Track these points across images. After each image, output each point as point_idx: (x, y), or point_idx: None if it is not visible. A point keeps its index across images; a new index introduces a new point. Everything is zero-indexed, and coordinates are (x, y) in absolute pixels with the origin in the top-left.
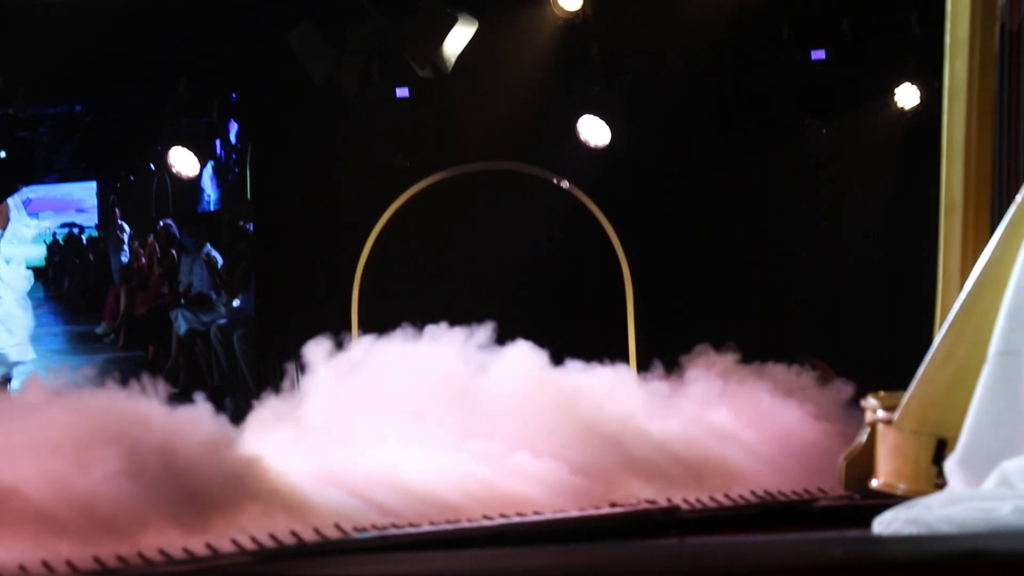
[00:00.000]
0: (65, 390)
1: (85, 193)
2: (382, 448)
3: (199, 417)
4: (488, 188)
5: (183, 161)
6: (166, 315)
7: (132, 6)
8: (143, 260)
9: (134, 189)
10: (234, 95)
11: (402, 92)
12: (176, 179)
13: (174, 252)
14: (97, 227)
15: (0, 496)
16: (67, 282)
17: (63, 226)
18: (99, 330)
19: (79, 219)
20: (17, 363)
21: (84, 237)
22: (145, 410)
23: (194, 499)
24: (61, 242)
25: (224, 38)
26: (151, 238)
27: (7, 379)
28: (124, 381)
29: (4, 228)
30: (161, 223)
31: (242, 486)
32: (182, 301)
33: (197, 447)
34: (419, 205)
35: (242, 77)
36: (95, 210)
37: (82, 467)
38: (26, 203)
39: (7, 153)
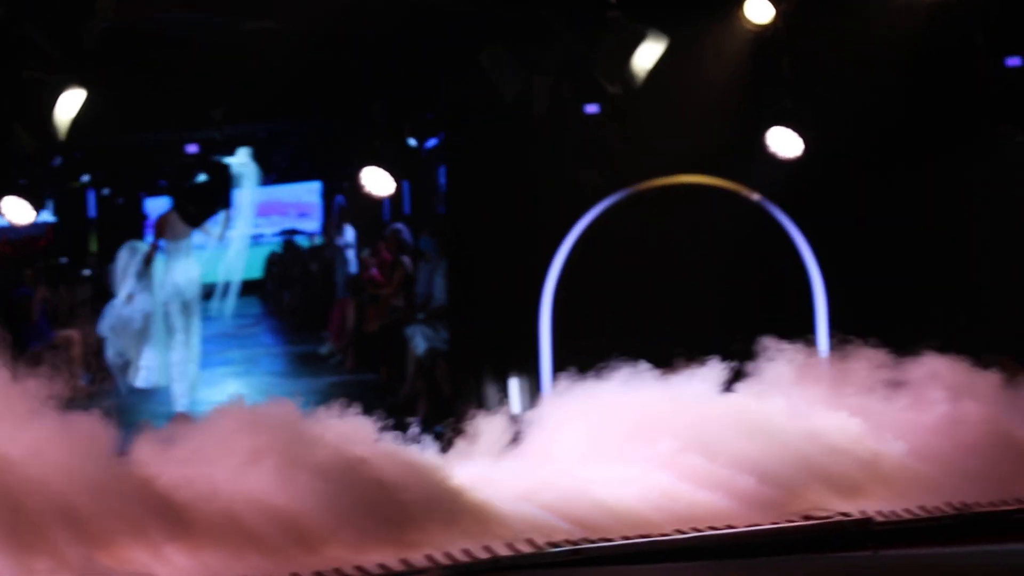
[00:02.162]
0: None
1: (308, 195)
2: (578, 466)
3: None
4: (679, 202)
5: (376, 181)
6: (401, 332)
7: (331, 30)
8: (374, 270)
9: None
10: (429, 115)
11: (592, 108)
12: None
13: (407, 260)
14: (321, 234)
15: (211, 514)
16: (287, 296)
17: (282, 233)
18: (324, 350)
19: (300, 224)
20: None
21: (306, 245)
22: (348, 430)
23: (390, 515)
24: (280, 251)
25: (420, 59)
26: (382, 245)
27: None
28: (352, 407)
29: (174, 239)
30: (392, 227)
31: (439, 503)
32: (420, 316)
33: (395, 464)
34: (610, 220)
35: (437, 97)
36: (319, 214)
37: (283, 484)
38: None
39: (209, 176)
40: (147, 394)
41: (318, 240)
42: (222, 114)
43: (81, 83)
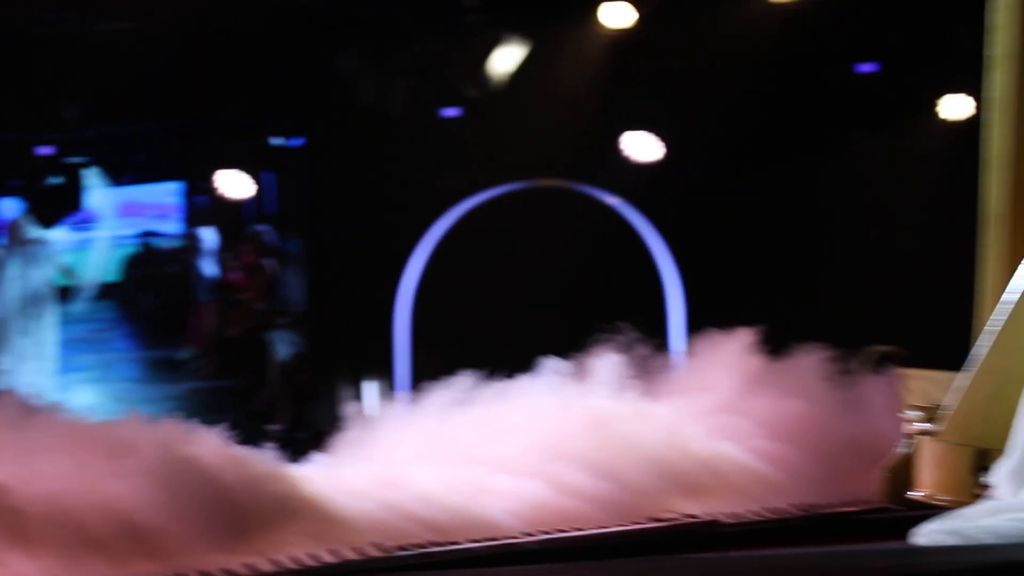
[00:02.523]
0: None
1: (167, 196)
2: (428, 469)
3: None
4: (538, 206)
5: (234, 182)
6: (262, 337)
7: (188, 31)
8: (235, 273)
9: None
10: (287, 118)
11: (451, 112)
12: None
13: (270, 263)
14: (181, 235)
15: (50, 518)
16: (144, 299)
17: (140, 235)
18: (182, 355)
19: (159, 226)
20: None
21: (164, 247)
22: (191, 435)
23: (233, 518)
24: (137, 253)
25: (277, 62)
26: (245, 247)
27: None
28: (210, 413)
29: (27, 242)
30: (254, 229)
31: (282, 505)
32: (282, 320)
33: (241, 468)
34: (469, 223)
35: (295, 101)
36: (178, 216)
37: (125, 488)
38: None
39: (62, 178)
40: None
41: (177, 242)
42: (77, 115)
43: None
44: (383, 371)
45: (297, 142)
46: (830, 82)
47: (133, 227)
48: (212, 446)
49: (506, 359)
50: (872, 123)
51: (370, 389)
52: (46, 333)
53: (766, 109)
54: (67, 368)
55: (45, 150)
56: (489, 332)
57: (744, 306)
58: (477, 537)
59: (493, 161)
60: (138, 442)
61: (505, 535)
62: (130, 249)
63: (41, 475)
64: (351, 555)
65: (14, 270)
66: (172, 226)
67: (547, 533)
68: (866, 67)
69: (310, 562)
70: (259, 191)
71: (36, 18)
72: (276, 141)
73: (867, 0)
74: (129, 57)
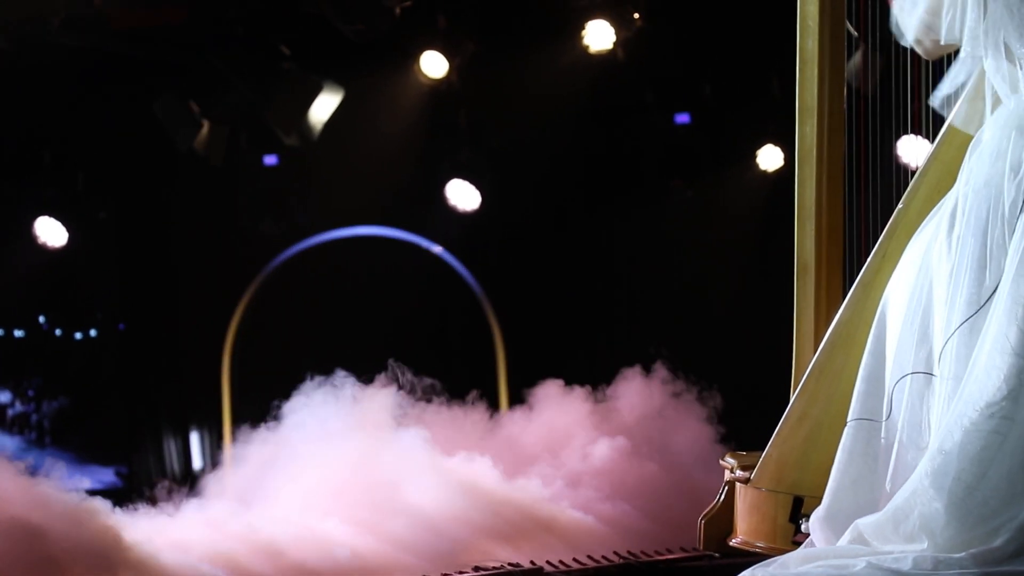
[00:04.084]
0: None
1: None
2: (249, 516)
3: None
4: (359, 254)
5: (50, 231)
6: None
7: None
8: None
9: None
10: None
11: (270, 160)
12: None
13: None
14: None
15: None
16: None
17: None
18: None
19: None
20: None
21: None
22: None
23: (44, 565)
24: None
25: (89, 108)
26: None
27: None
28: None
29: None
30: None
31: (97, 554)
32: None
33: (52, 513)
34: (289, 272)
35: (108, 147)
36: None
37: None
38: None
39: None
40: None
41: None
42: None
43: None
44: (207, 422)
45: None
46: (646, 132)
47: None
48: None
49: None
50: (688, 173)
51: (193, 440)
52: None
53: (583, 159)
54: None
55: None
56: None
57: (564, 355)
58: None
59: (314, 208)
60: None
61: None
62: None
63: None
64: None
65: None
66: None
67: None
68: (681, 117)
69: None
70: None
71: None
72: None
73: (682, 50)
74: None
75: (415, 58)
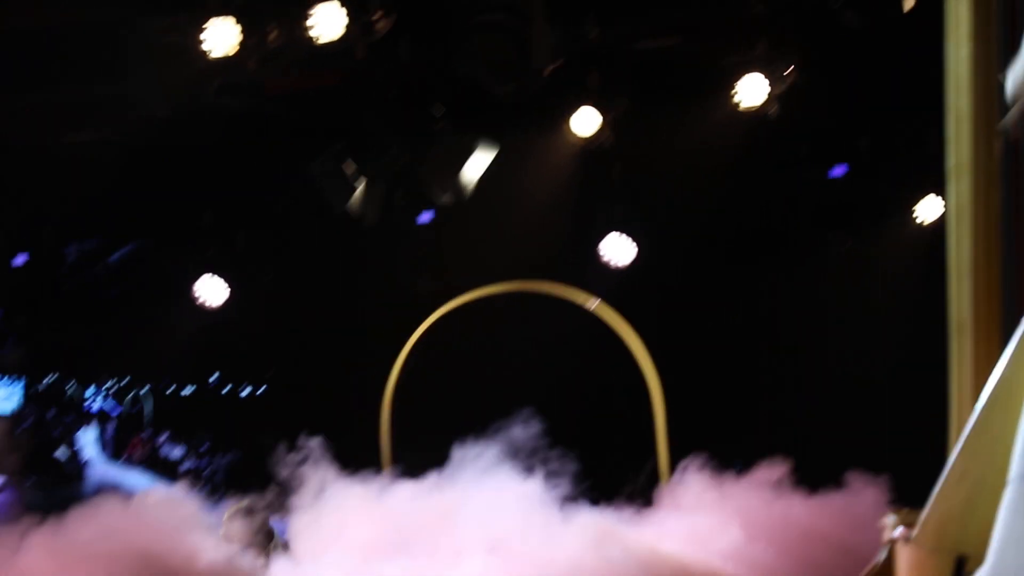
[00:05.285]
0: None
1: None
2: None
3: None
4: (515, 311)
5: (212, 290)
6: None
7: (152, 143)
8: None
9: None
10: (257, 226)
11: (425, 218)
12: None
13: None
14: None
15: None
16: None
17: None
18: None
19: None
20: None
21: None
22: None
23: None
24: None
25: (247, 170)
26: None
27: None
28: None
29: None
30: None
31: None
32: None
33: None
34: (445, 329)
35: (266, 208)
36: None
37: None
38: None
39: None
40: None
41: None
42: (48, 229)
43: None
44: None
45: (269, 247)
46: (800, 186)
47: None
48: None
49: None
50: (844, 226)
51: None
52: None
53: (737, 213)
54: None
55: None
56: (469, 438)
57: (722, 413)
58: None
59: (468, 266)
60: None
61: None
62: None
63: None
64: None
65: None
66: None
67: None
68: (837, 170)
69: None
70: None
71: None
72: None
73: (837, 104)
74: (95, 168)
75: (567, 116)
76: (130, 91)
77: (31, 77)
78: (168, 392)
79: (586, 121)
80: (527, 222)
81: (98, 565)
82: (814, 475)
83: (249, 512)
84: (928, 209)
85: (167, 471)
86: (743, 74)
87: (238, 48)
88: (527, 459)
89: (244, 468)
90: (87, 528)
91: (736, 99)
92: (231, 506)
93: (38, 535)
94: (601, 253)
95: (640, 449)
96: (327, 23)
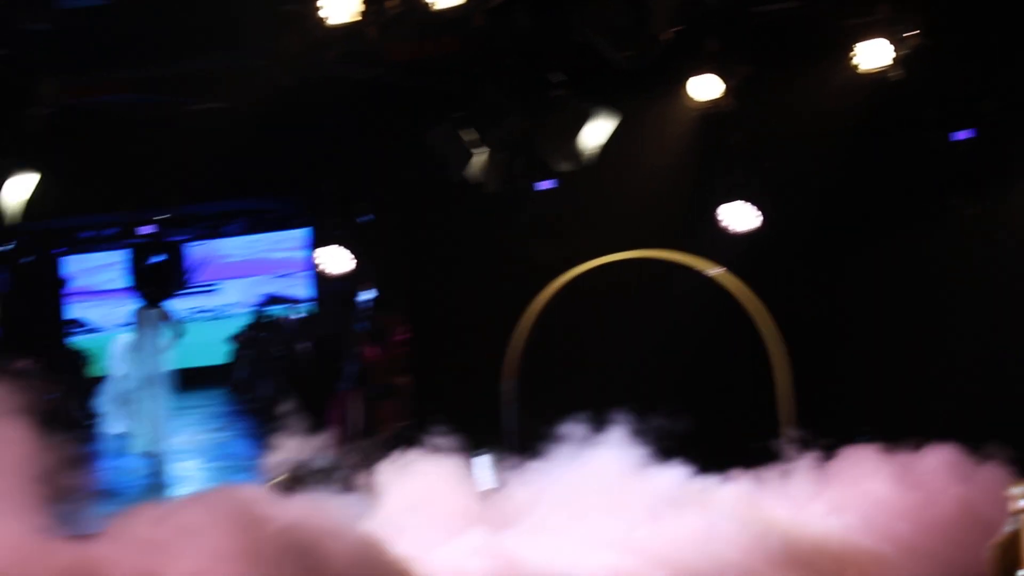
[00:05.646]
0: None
1: (288, 246)
2: (538, 543)
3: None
4: (635, 277)
5: (336, 259)
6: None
7: (279, 109)
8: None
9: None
10: (379, 196)
11: (544, 185)
12: None
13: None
14: (314, 301)
15: None
16: (265, 387)
17: (258, 305)
18: (320, 463)
19: (281, 288)
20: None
21: (290, 317)
22: (297, 513)
23: None
24: (253, 327)
25: (367, 139)
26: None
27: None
28: None
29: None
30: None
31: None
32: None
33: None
34: (566, 296)
35: (387, 177)
36: (308, 275)
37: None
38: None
39: (165, 256)
40: (132, 462)
41: (306, 310)
42: (175, 194)
43: (29, 167)
44: (493, 442)
45: (391, 217)
46: (923, 150)
47: (248, 292)
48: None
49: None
50: (969, 191)
51: (479, 462)
52: (165, 409)
53: (859, 177)
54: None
55: (146, 229)
56: (590, 404)
57: (845, 381)
58: None
59: (588, 233)
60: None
61: None
62: (243, 320)
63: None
64: None
65: (142, 351)
66: (300, 289)
67: None
68: (961, 134)
69: None
70: (357, 267)
71: (128, 101)
72: (370, 217)
73: (960, 67)
74: (221, 136)
75: (686, 82)
76: (251, 60)
77: (156, 49)
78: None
79: (705, 86)
80: (647, 189)
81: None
82: (939, 443)
83: (294, 483)
84: None
85: None
86: (864, 37)
87: (358, 16)
88: (654, 430)
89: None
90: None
91: (856, 62)
92: (276, 477)
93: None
94: (721, 219)
95: (764, 418)
96: None
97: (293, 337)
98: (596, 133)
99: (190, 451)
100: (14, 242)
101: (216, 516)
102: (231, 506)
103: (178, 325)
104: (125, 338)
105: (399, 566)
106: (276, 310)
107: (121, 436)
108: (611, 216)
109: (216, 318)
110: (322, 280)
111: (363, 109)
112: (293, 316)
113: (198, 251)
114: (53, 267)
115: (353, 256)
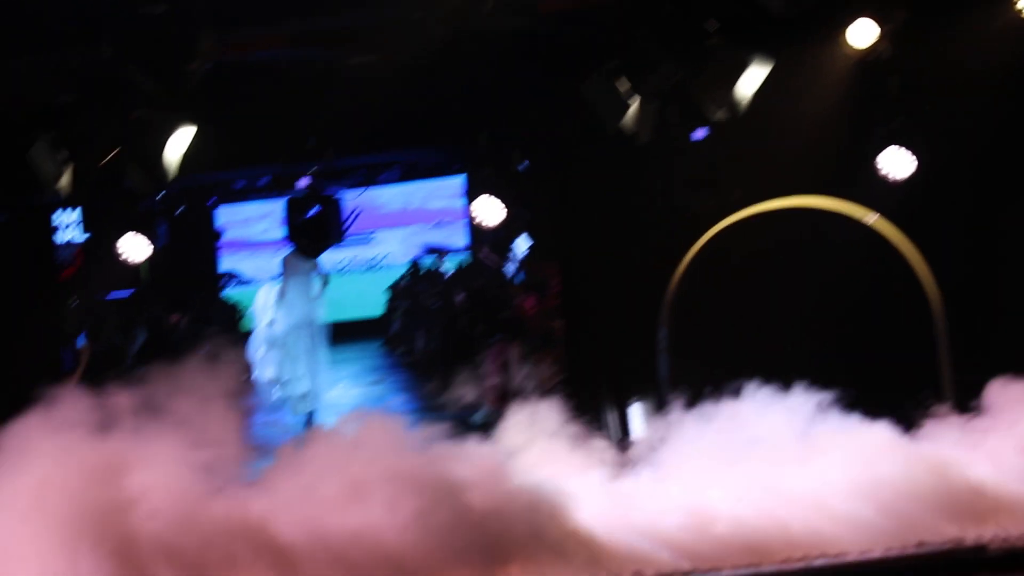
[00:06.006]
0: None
1: (444, 195)
2: (692, 492)
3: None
4: (791, 225)
5: (490, 209)
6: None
7: (433, 62)
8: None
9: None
10: (532, 146)
11: (699, 134)
12: None
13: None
14: (471, 249)
15: (316, 553)
16: (421, 340)
17: (414, 255)
18: (477, 418)
19: (439, 239)
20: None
21: (447, 268)
22: (449, 455)
23: (496, 548)
24: (408, 279)
25: (522, 89)
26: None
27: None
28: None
29: (297, 275)
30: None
31: (540, 533)
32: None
33: (503, 493)
34: (722, 244)
35: (541, 127)
36: (465, 224)
37: (387, 517)
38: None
39: (321, 208)
40: (282, 408)
41: (463, 259)
42: (331, 147)
43: (189, 121)
44: (646, 391)
45: (545, 167)
46: None
47: (405, 242)
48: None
49: (762, 378)
50: None
51: (633, 411)
52: (318, 357)
53: (1018, 123)
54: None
55: (303, 182)
56: (745, 353)
57: (1002, 328)
58: (740, 563)
59: (743, 182)
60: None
61: (768, 560)
62: (399, 271)
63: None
64: None
65: (290, 300)
66: (457, 238)
67: (808, 559)
68: None
69: None
70: (513, 216)
71: (285, 56)
72: (525, 166)
73: None
74: (377, 89)
75: (843, 28)
76: (408, 14)
77: (313, 3)
78: None
79: (863, 33)
80: (803, 137)
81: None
82: None
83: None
84: None
85: None
86: None
87: None
88: (809, 378)
89: None
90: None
91: (1019, 6)
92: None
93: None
94: (879, 167)
95: (922, 365)
96: None
97: (449, 288)
98: (751, 81)
99: (344, 406)
100: (171, 196)
101: (367, 447)
102: (381, 437)
103: (326, 275)
104: (273, 287)
105: (547, 519)
106: (432, 260)
107: (273, 388)
108: (766, 164)
109: (371, 269)
110: (478, 230)
111: (518, 60)
112: (449, 266)
113: (354, 201)
114: (208, 219)
115: (507, 206)
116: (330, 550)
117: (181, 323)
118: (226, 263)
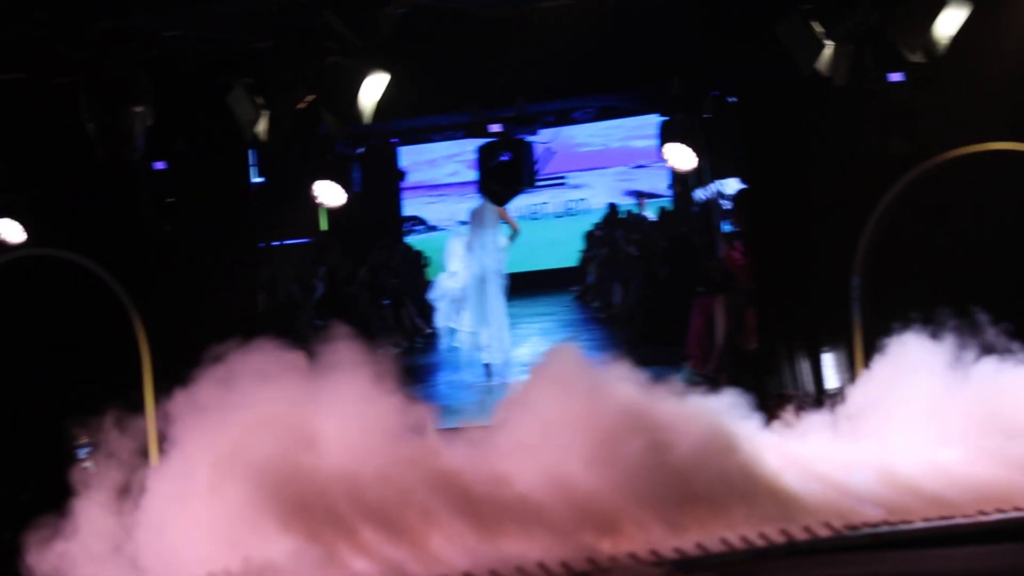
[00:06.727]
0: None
1: (646, 134)
2: (884, 445)
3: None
4: (990, 170)
5: (683, 155)
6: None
7: (627, 5)
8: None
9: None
10: (728, 92)
11: (895, 77)
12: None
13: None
14: (671, 197)
15: (506, 501)
16: (619, 292)
17: (613, 200)
18: (681, 376)
19: (637, 183)
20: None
21: (647, 216)
22: (648, 406)
23: (687, 497)
24: (606, 225)
25: (714, 32)
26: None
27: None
28: None
29: (484, 226)
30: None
31: (734, 485)
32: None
33: (695, 441)
34: (919, 189)
35: (733, 71)
36: (663, 168)
37: (579, 464)
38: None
39: (511, 155)
40: (465, 355)
41: (666, 207)
42: (522, 92)
43: (382, 67)
44: (838, 341)
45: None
46: None
47: (600, 194)
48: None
49: (960, 328)
50: None
51: (827, 361)
52: (501, 307)
53: None
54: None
55: (494, 128)
56: (941, 301)
57: None
58: (931, 516)
59: (941, 125)
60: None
61: (960, 514)
62: (594, 219)
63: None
64: (801, 535)
65: (477, 249)
66: (657, 182)
67: (1002, 512)
68: None
69: (759, 542)
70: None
71: (477, 1)
72: (714, 112)
73: None
74: (568, 33)
75: None
76: None
77: None
78: None
79: None
80: (1002, 79)
81: None
82: None
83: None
84: None
85: None
86: None
87: None
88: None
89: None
90: None
91: None
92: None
93: None
94: None
95: None
96: None
97: (651, 235)
98: (950, 23)
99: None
100: (355, 136)
101: (561, 385)
102: (577, 378)
103: (516, 224)
104: (461, 237)
105: (738, 468)
106: (632, 206)
107: (459, 342)
108: (965, 108)
109: (566, 215)
110: (679, 176)
111: (711, 3)
112: (651, 212)
113: (549, 142)
114: (391, 159)
115: (700, 152)
116: (521, 500)
117: (361, 273)
118: (409, 208)
